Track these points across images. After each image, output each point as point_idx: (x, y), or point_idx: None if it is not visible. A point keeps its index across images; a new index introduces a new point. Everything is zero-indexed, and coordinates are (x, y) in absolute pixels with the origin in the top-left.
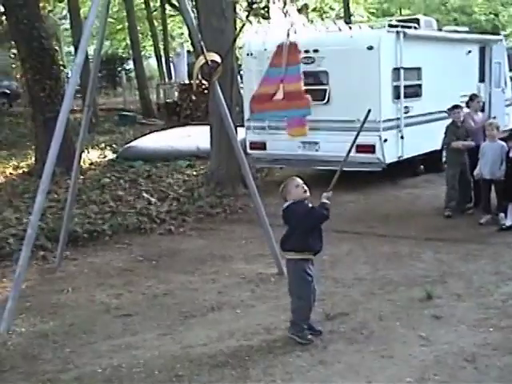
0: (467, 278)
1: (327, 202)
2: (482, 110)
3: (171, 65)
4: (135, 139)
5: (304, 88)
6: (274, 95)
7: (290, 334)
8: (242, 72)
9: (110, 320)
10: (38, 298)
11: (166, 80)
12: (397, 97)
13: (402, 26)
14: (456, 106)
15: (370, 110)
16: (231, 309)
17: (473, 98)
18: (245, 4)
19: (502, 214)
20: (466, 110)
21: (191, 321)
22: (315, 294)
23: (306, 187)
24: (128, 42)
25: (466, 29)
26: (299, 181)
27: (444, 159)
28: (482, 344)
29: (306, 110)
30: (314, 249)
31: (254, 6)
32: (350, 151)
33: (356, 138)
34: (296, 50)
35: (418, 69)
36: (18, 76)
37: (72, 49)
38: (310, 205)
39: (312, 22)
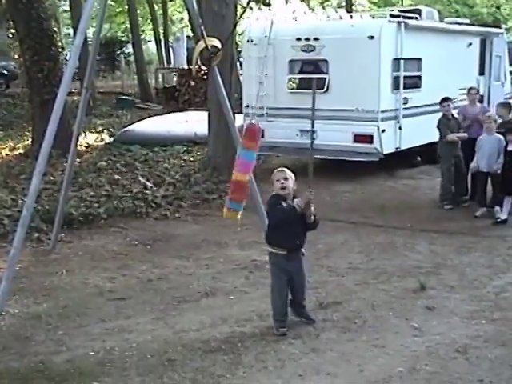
0: (461, 270)
1: (296, 204)
2: (481, 103)
3: (170, 49)
4: (133, 123)
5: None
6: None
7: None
8: (241, 59)
9: (103, 303)
10: (32, 279)
11: (165, 65)
12: (396, 87)
13: (404, 17)
14: (445, 99)
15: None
16: (225, 295)
17: (469, 90)
18: None
19: (497, 208)
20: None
21: (184, 306)
22: (300, 287)
23: (285, 184)
24: (127, 25)
25: (468, 21)
26: (282, 174)
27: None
28: (473, 336)
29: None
30: (282, 245)
31: None
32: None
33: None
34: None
35: (418, 60)
36: (16, 56)
37: (71, 31)
38: (290, 202)
39: (313, 9)
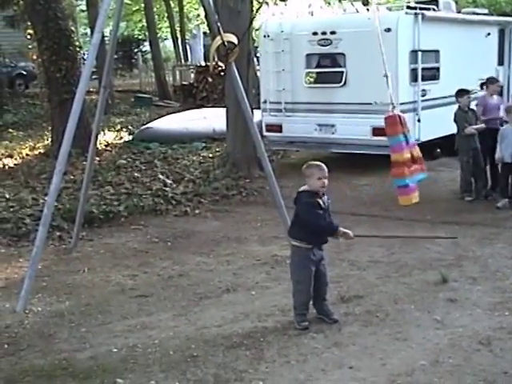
0: (483, 262)
1: (341, 230)
2: (501, 94)
3: (187, 46)
4: (151, 121)
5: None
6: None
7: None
8: (258, 54)
9: (125, 300)
10: (54, 277)
11: (182, 62)
12: (414, 79)
13: (421, 8)
14: (465, 91)
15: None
16: (246, 290)
17: (492, 81)
18: None
19: None
20: (481, 92)
21: (206, 302)
22: (324, 283)
23: (326, 183)
24: (144, 23)
25: (486, 11)
26: (325, 173)
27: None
28: (497, 327)
29: (403, 180)
30: (312, 242)
31: None
32: None
33: None
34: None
35: (436, 51)
36: (35, 57)
37: (88, 30)
38: (321, 201)
39: (329, 3)
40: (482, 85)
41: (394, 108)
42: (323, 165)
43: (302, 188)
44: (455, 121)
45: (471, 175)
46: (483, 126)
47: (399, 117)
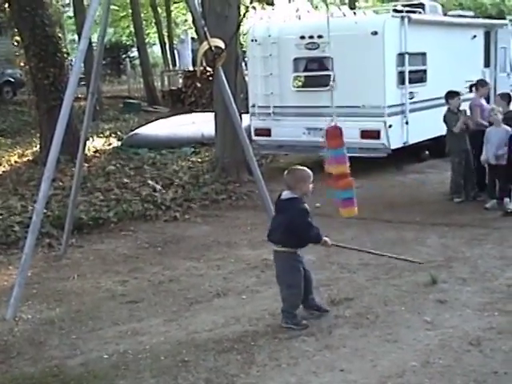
0: (472, 263)
1: (323, 239)
2: (488, 96)
3: (175, 52)
4: (140, 127)
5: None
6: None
7: (285, 323)
8: (246, 58)
9: (115, 306)
10: (44, 284)
11: (171, 67)
12: (401, 82)
13: (407, 11)
14: (455, 93)
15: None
16: (236, 294)
17: (482, 84)
18: None
19: (506, 199)
20: (470, 94)
21: (197, 307)
22: (311, 281)
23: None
24: (132, 29)
25: (472, 13)
26: (309, 178)
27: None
28: (486, 328)
29: (350, 192)
30: (298, 246)
31: None
32: None
33: None
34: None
35: (423, 54)
36: (22, 64)
37: (76, 37)
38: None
39: (317, 7)
40: (471, 87)
41: (332, 120)
42: (309, 170)
43: (289, 194)
44: (445, 122)
45: (462, 177)
46: (467, 118)
47: (340, 129)
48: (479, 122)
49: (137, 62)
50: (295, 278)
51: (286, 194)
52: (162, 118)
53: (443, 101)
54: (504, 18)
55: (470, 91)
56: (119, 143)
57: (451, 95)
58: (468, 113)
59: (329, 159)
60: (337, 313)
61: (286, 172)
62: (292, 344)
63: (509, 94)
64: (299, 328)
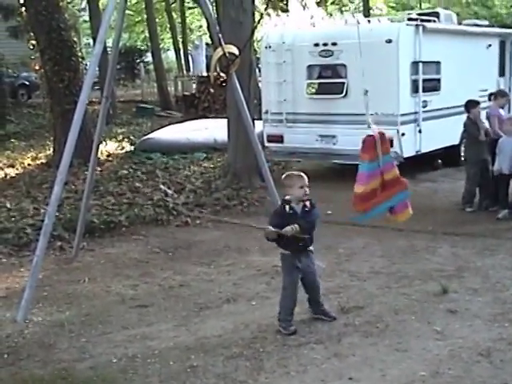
0: (483, 273)
1: (285, 231)
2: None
3: (189, 57)
4: (153, 131)
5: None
6: (377, 190)
7: (278, 324)
8: (260, 65)
9: (125, 310)
10: (55, 287)
11: (185, 72)
12: (415, 91)
13: (422, 20)
14: (475, 102)
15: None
16: (246, 301)
17: (502, 94)
18: None
19: None
20: (487, 103)
21: (206, 312)
22: (316, 288)
23: (307, 190)
24: (146, 34)
25: (487, 22)
26: (305, 181)
27: (463, 156)
28: (497, 339)
29: (406, 193)
30: (286, 247)
31: None
32: None
33: None
34: (386, 139)
35: (437, 63)
36: (37, 67)
37: (91, 41)
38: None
39: (331, 15)
40: (490, 95)
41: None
42: (303, 174)
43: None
44: (465, 131)
45: (476, 186)
46: (487, 126)
47: (373, 140)
48: (497, 131)
49: (151, 66)
50: (286, 281)
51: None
52: (175, 122)
53: (457, 110)
54: None
55: (489, 100)
56: (132, 147)
57: (472, 104)
58: (485, 122)
59: (363, 174)
60: (346, 321)
61: (282, 177)
62: (301, 351)
63: None
64: (286, 332)
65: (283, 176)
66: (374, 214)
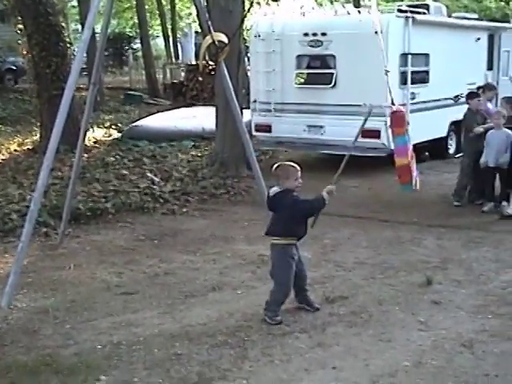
0: (468, 265)
1: (326, 196)
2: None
3: (178, 45)
4: (140, 119)
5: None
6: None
7: (264, 314)
8: (249, 54)
9: (110, 297)
10: (40, 274)
11: (173, 60)
12: (403, 82)
13: (412, 12)
14: (475, 94)
15: (371, 108)
16: (232, 289)
17: (490, 87)
18: None
19: (504, 203)
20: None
21: (191, 300)
22: (304, 277)
23: (300, 181)
24: (135, 20)
25: (476, 16)
26: (299, 172)
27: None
28: (479, 330)
29: (406, 186)
30: (299, 234)
31: None
32: (355, 141)
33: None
34: (401, 120)
35: (426, 55)
36: (24, 52)
37: (79, 26)
38: (296, 194)
39: (321, 5)
40: (478, 89)
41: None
42: (297, 165)
43: (278, 189)
44: (464, 122)
45: (468, 179)
46: (492, 124)
47: (404, 115)
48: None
49: (139, 53)
50: (286, 276)
51: (274, 190)
52: (163, 110)
53: (445, 102)
54: (508, 22)
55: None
56: (119, 135)
57: (471, 96)
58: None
59: (402, 148)
60: (331, 311)
61: (274, 167)
62: (285, 340)
63: None
64: (272, 322)
65: (277, 167)
66: (414, 185)
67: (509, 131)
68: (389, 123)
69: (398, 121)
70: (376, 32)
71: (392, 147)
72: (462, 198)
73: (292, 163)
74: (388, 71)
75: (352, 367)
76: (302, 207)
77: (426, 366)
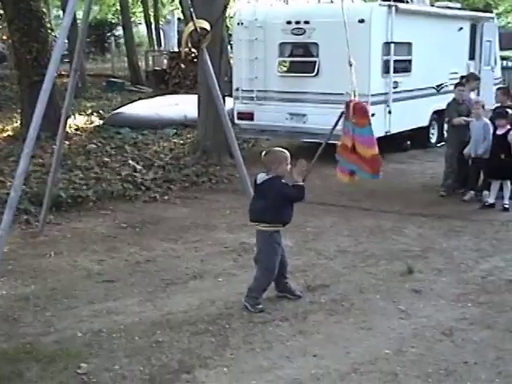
0: (448, 254)
1: (301, 182)
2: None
3: (161, 32)
4: (123, 106)
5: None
6: (348, 147)
7: (244, 301)
8: (232, 42)
9: (91, 285)
10: (20, 261)
11: (156, 47)
12: (386, 71)
13: (395, 0)
14: (460, 84)
15: (342, 113)
16: (213, 277)
17: (474, 77)
18: None
19: (485, 192)
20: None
21: (173, 288)
22: (285, 263)
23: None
24: (118, 7)
25: (459, 5)
26: (289, 158)
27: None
28: (459, 318)
29: (376, 175)
30: (286, 221)
31: None
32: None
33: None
34: (362, 111)
35: (409, 44)
36: (5, 38)
37: (60, 12)
38: (284, 181)
39: None
40: (461, 78)
41: (355, 96)
42: (286, 151)
43: (265, 176)
44: (446, 111)
45: (453, 169)
46: (472, 119)
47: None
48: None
49: (121, 40)
50: (272, 262)
51: (262, 177)
52: (145, 98)
53: (427, 91)
54: (491, 12)
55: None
56: (101, 122)
57: (456, 85)
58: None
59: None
60: (312, 299)
61: (263, 153)
62: (266, 328)
63: (508, 89)
64: (253, 310)
65: (266, 153)
66: (342, 163)
67: (487, 121)
68: (350, 114)
69: (361, 111)
70: (359, 20)
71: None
72: (450, 189)
73: (282, 149)
74: (352, 63)
75: (333, 355)
76: (291, 193)
77: (406, 353)
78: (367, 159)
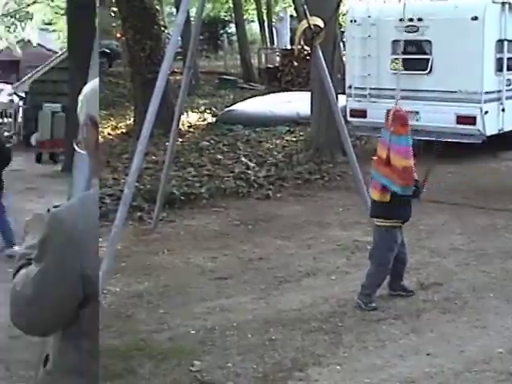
0: None
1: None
2: None
3: (273, 29)
4: (235, 103)
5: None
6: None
7: (357, 298)
8: (344, 39)
9: (204, 282)
10: (134, 258)
11: (268, 45)
12: (499, 69)
13: None
14: None
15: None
16: (326, 275)
17: None
18: None
19: None
20: None
21: (285, 286)
22: (405, 261)
23: None
24: (231, 4)
25: None
26: None
27: None
28: None
29: (408, 189)
30: (403, 217)
31: None
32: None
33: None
34: (402, 119)
35: None
36: (119, 35)
37: (174, 10)
38: None
39: None
40: None
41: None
42: None
43: None
44: None
45: None
46: None
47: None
48: None
49: (234, 38)
50: (385, 258)
51: None
52: (257, 95)
53: None
54: None
55: None
56: (214, 119)
57: None
58: None
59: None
60: (425, 297)
61: None
62: (379, 327)
63: None
64: (366, 308)
65: None
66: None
67: None
68: (390, 122)
69: (401, 119)
70: (473, 18)
71: (487, 133)
72: None
73: None
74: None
75: (446, 354)
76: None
77: None
78: (400, 170)
